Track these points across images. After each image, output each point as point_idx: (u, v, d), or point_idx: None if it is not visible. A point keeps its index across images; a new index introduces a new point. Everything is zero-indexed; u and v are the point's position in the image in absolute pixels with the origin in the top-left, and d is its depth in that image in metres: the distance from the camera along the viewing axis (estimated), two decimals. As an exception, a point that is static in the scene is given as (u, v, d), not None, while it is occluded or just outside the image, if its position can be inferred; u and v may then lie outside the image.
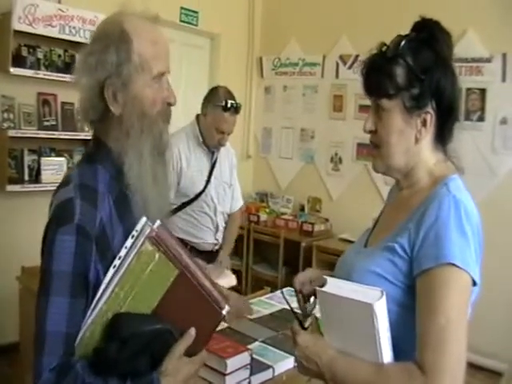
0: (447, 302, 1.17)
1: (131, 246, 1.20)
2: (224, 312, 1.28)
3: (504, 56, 4.39)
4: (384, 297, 1.18)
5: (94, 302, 1.20)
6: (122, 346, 1.17)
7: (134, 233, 1.21)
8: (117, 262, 1.20)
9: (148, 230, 1.19)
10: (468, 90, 4.53)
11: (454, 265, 1.18)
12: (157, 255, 1.20)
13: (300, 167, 5.85)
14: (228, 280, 2.98)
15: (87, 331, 1.20)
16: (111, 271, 1.20)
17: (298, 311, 1.50)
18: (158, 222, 1.23)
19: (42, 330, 1.20)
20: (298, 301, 1.57)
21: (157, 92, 1.35)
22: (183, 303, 1.25)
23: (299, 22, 5.76)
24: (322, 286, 1.27)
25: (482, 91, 4.51)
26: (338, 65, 5.48)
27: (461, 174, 1.38)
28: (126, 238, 1.25)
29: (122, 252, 1.20)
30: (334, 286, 1.26)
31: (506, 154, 4.43)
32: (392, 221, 1.41)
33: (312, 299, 1.53)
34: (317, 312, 1.37)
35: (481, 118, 4.54)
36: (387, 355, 1.21)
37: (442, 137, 1.39)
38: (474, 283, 1.22)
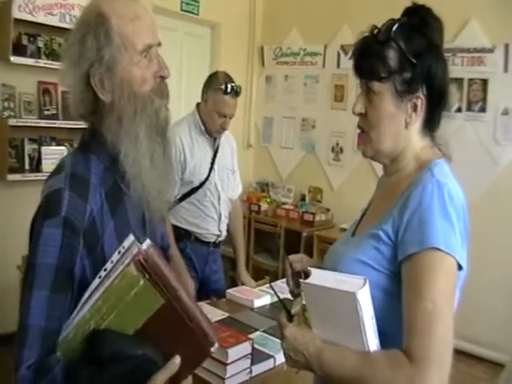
0: (433, 286, 1.17)
1: (117, 262, 1.13)
2: (212, 349, 1.19)
3: (506, 46, 4.36)
4: (367, 285, 1.17)
5: (80, 305, 1.16)
6: (98, 370, 1.11)
7: (121, 249, 1.13)
8: (102, 273, 1.14)
9: (135, 251, 1.11)
10: (470, 80, 4.52)
11: (438, 249, 1.18)
12: (141, 281, 1.12)
13: (301, 157, 5.84)
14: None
15: (71, 332, 1.17)
16: (97, 281, 1.14)
17: (288, 297, 1.50)
18: (147, 242, 1.14)
19: (23, 324, 1.18)
20: (286, 276, 1.57)
21: (146, 68, 1.29)
22: (168, 332, 1.17)
23: (300, 11, 5.74)
24: (307, 277, 1.26)
25: (484, 82, 4.49)
26: (339, 54, 5.47)
27: (448, 160, 1.37)
28: (116, 235, 1.24)
29: (108, 265, 1.14)
30: (318, 276, 1.25)
31: (508, 144, 4.42)
32: (378, 209, 1.41)
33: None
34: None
35: (482, 109, 4.52)
36: (373, 343, 1.21)
37: (431, 123, 1.39)
38: (460, 267, 1.22)
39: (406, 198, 1.27)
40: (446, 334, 1.16)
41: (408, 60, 1.31)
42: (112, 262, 1.14)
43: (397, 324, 1.21)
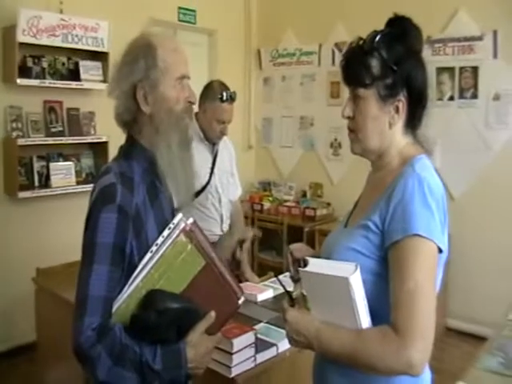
0: (415, 267, 1.32)
1: (167, 236, 1.44)
2: (240, 302, 1.57)
3: (495, 33, 4.47)
4: (358, 270, 1.33)
5: (131, 279, 1.43)
6: (159, 316, 1.39)
7: (171, 225, 1.45)
8: (154, 247, 1.44)
9: (183, 224, 1.45)
10: (461, 68, 4.64)
11: (419, 235, 1.33)
12: (189, 246, 1.45)
13: (301, 154, 5.96)
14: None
15: (123, 303, 1.43)
16: (148, 255, 1.44)
17: (290, 289, 1.65)
18: (191, 219, 1.47)
19: (84, 295, 1.40)
20: (287, 264, 1.76)
21: (180, 92, 1.57)
22: (206, 289, 1.49)
23: (295, 12, 5.86)
24: (305, 266, 1.42)
25: (475, 69, 4.61)
26: (333, 52, 5.59)
27: (429, 155, 1.52)
28: (155, 223, 1.53)
29: (159, 240, 1.45)
30: (315, 265, 1.41)
31: (500, 128, 4.53)
32: (367, 201, 1.56)
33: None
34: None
35: (474, 96, 4.64)
36: (365, 321, 1.37)
37: (413, 122, 1.53)
38: (441, 250, 1.38)
39: (391, 191, 1.42)
40: (427, 307, 1.31)
41: (389, 67, 1.45)
42: (163, 236, 1.45)
43: (386, 303, 1.36)
